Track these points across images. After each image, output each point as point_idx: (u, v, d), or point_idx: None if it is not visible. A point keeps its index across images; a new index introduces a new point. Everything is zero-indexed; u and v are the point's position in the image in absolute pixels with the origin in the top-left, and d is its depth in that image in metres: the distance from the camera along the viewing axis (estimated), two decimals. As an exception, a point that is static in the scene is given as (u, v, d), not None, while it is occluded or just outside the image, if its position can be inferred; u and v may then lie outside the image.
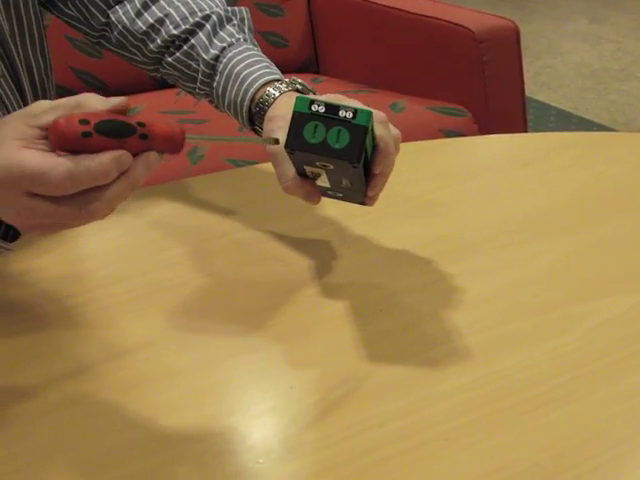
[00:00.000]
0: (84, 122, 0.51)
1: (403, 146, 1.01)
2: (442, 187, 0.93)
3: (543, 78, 3.44)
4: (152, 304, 0.73)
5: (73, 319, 0.71)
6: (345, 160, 0.61)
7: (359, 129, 0.61)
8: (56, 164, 0.51)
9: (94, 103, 0.53)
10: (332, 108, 0.61)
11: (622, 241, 0.82)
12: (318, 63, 2.02)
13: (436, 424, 0.59)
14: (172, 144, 0.54)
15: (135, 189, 0.54)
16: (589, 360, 0.65)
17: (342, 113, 0.61)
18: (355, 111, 0.61)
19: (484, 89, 1.70)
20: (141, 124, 0.53)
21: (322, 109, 0.61)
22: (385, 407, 0.60)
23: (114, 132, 0.52)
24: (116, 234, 0.83)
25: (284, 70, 0.82)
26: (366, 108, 0.62)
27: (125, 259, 0.80)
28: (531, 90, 3.16)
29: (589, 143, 1.07)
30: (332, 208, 0.85)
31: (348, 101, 0.68)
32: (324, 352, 0.67)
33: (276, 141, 0.62)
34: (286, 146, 0.62)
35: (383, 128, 0.67)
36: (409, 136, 1.35)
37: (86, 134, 0.51)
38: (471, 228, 0.85)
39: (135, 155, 0.53)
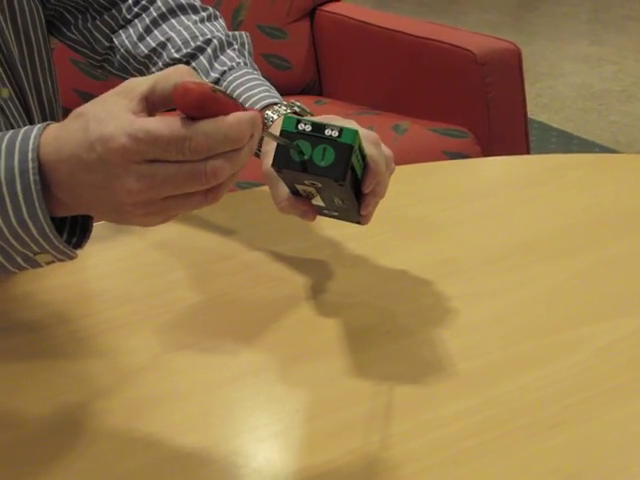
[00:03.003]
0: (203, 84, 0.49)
1: (405, 168, 1.02)
2: (445, 209, 0.93)
3: (544, 99, 3.46)
4: (158, 326, 0.73)
5: (80, 341, 0.71)
6: (330, 178, 0.61)
7: (344, 147, 0.61)
8: (196, 128, 0.49)
9: (194, 75, 0.52)
10: (318, 127, 0.61)
11: (627, 263, 0.82)
12: (321, 85, 2.04)
13: (444, 447, 0.58)
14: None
15: (252, 154, 0.53)
16: (597, 382, 0.65)
17: (328, 132, 0.61)
18: (341, 130, 0.61)
19: (486, 111, 1.71)
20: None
21: (308, 128, 0.61)
22: (392, 430, 0.60)
23: (227, 94, 0.51)
24: (121, 256, 0.83)
25: (287, 92, 0.83)
26: (353, 127, 0.63)
27: (131, 281, 0.80)
28: (532, 111, 3.17)
29: (592, 165, 1.07)
30: (336, 230, 0.85)
31: (341, 121, 0.68)
32: (329, 375, 0.66)
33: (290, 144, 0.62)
34: (272, 165, 0.63)
35: (374, 148, 0.67)
36: (412, 158, 1.36)
37: (216, 90, 0.49)
38: (475, 250, 0.85)
39: None
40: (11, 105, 0.74)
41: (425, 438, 0.59)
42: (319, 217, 0.72)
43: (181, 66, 0.53)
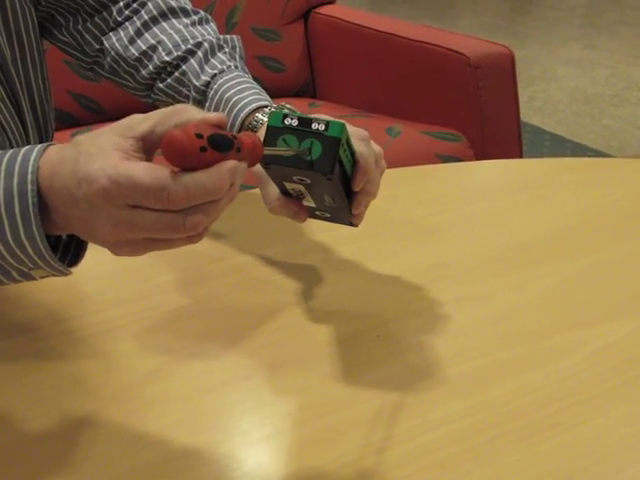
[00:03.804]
0: (199, 136, 0.49)
1: (398, 171, 1.02)
2: (438, 213, 0.94)
3: (537, 103, 3.47)
4: (149, 329, 0.72)
5: (73, 343, 0.71)
6: (318, 172, 0.61)
7: (331, 140, 0.61)
8: (176, 179, 0.49)
9: (194, 114, 0.52)
10: (305, 121, 0.61)
11: (620, 266, 0.82)
12: (315, 88, 2.04)
13: (433, 451, 0.58)
14: (254, 156, 0.54)
15: (232, 201, 0.53)
16: (590, 385, 0.65)
17: (314, 126, 0.61)
18: (327, 123, 0.61)
19: (479, 114, 1.71)
20: (234, 136, 0.52)
21: (295, 122, 0.61)
22: (382, 434, 0.60)
23: (223, 146, 0.50)
24: (111, 258, 0.82)
25: (281, 94, 0.83)
26: (339, 120, 0.63)
27: (122, 283, 0.80)
28: (525, 115, 3.18)
29: (585, 169, 1.07)
30: (326, 233, 0.85)
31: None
32: (320, 379, 0.66)
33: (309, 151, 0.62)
34: (260, 161, 0.62)
35: (364, 145, 0.67)
36: (404, 161, 1.36)
37: (203, 149, 0.49)
38: (467, 254, 0.85)
39: None
40: (2, 106, 0.74)
41: (414, 442, 0.59)
42: (310, 220, 0.72)
43: (183, 106, 0.53)
